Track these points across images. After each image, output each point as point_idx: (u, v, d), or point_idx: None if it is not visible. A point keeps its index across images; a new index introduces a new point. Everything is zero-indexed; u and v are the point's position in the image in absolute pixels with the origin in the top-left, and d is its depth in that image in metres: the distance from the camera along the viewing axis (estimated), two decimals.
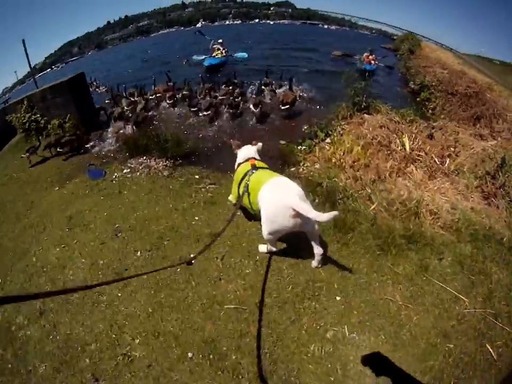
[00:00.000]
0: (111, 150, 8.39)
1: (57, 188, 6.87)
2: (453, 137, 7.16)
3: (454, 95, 11.69)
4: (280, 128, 9.04)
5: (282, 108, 9.64)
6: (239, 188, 4.11)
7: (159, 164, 7.15)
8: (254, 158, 4.34)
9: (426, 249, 4.24)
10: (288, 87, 11.04)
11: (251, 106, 9.58)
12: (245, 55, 19.30)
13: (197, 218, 5.22)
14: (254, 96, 10.84)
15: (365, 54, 18.13)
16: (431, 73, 14.86)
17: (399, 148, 6.47)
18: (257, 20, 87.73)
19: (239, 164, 4.42)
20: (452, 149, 6.61)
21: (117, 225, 5.25)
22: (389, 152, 6.38)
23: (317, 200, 5.17)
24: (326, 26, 70.06)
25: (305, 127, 8.28)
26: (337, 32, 55.69)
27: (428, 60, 19.36)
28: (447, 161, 6.13)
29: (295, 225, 3.39)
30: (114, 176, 6.90)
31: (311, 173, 6.05)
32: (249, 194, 3.87)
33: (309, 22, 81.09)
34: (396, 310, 3.51)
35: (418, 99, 11.89)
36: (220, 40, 20.06)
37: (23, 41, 13.15)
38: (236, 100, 10.33)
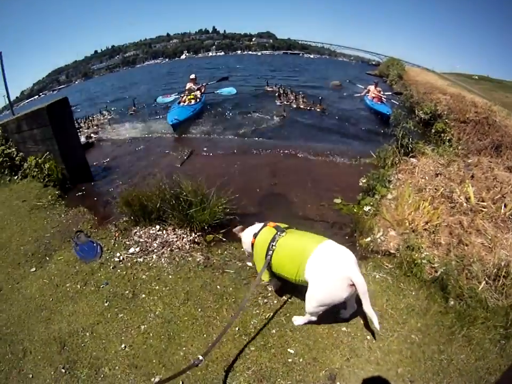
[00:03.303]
0: (105, 208, 6.17)
1: (34, 269, 4.68)
2: (490, 174, 6.11)
3: (467, 123, 10.37)
4: (321, 180, 6.94)
5: (319, 110, 13.75)
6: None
7: (182, 240, 4.84)
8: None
9: None
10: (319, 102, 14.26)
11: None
12: (232, 90, 15.02)
13: (291, 351, 3.20)
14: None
15: (370, 86, 15.03)
16: (435, 100, 13.40)
17: (462, 198, 5.30)
18: (239, 51, 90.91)
19: (255, 236, 3.51)
20: (497, 189, 5.54)
21: (157, 380, 3.06)
22: (452, 204, 5.25)
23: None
24: (306, 56, 72.90)
25: (363, 181, 6.50)
26: (319, 60, 57.43)
27: (419, 84, 17.95)
28: (502, 207, 5.02)
29: (350, 295, 2.95)
30: (116, 259, 4.62)
31: (391, 244, 4.60)
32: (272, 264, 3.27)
33: (290, 52, 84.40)
34: None
35: (433, 130, 10.54)
36: (193, 76, 14.34)
37: (0, 54, 10.97)
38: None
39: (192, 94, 13.36)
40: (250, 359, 3.09)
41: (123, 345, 3.36)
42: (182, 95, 13.53)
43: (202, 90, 14.19)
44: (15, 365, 3.36)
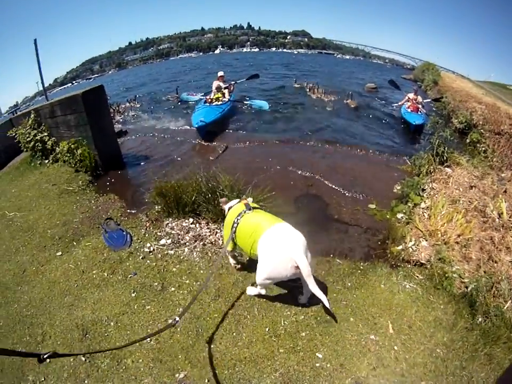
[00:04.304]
0: (136, 197, 6.18)
1: (60, 253, 4.70)
2: None
3: (501, 135, 9.97)
4: (356, 183, 6.80)
5: (352, 106, 14.46)
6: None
7: (215, 235, 4.80)
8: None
9: None
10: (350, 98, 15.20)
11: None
12: (265, 105, 12.70)
13: (320, 356, 3.15)
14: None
15: (409, 94, 13.40)
16: (470, 109, 13.03)
17: (495, 213, 5.13)
18: (274, 49, 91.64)
19: (229, 209, 3.88)
20: None
21: (181, 376, 3.00)
22: (484, 219, 5.08)
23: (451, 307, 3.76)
24: (340, 56, 73.75)
25: (398, 187, 6.44)
26: (354, 62, 57.82)
27: (454, 91, 17.58)
28: None
29: (295, 275, 3.14)
30: (146, 249, 4.59)
31: (422, 254, 4.46)
32: (235, 236, 3.57)
33: (324, 51, 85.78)
34: None
35: (468, 140, 10.31)
36: (221, 73, 12.86)
37: (35, 41, 11.11)
38: None
39: (220, 92, 12.19)
40: (279, 361, 3.04)
41: (148, 338, 3.31)
42: (208, 96, 12.19)
43: (231, 89, 12.99)
44: (33, 348, 3.36)
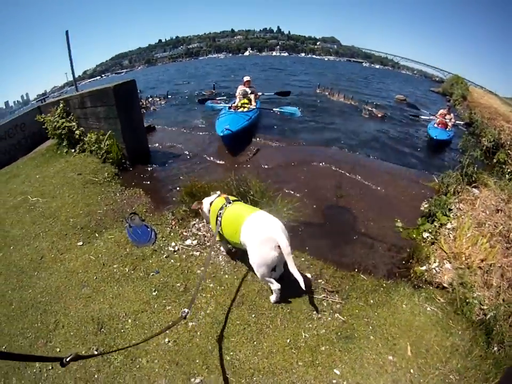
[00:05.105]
0: (163, 194, 6.22)
1: (81, 243, 4.74)
2: None
3: None
4: (385, 198, 6.65)
5: (380, 116, 15.14)
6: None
7: None
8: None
9: None
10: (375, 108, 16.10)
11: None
12: (296, 111, 11.69)
13: (337, 372, 3.07)
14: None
15: (441, 110, 13.17)
16: (498, 128, 12.68)
17: None
18: (303, 54, 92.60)
19: (211, 204, 4.05)
20: None
21: (197, 381, 2.97)
22: (508, 245, 4.90)
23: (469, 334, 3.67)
24: (367, 65, 74.49)
25: (425, 205, 6.28)
26: (383, 71, 57.85)
27: (483, 107, 17.38)
28: None
29: (280, 256, 3.28)
30: (171, 248, 4.54)
31: (445, 277, 4.38)
32: (221, 228, 3.76)
33: (353, 60, 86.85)
34: None
35: (495, 160, 9.99)
36: (247, 78, 11.81)
37: (67, 32, 11.20)
38: None
39: (246, 98, 11.31)
40: (297, 374, 2.99)
41: (166, 339, 3.28)
42: (233, 103, 11.26)
43: (257, 96, 11.92)
44: (43, 335, 3.40)
